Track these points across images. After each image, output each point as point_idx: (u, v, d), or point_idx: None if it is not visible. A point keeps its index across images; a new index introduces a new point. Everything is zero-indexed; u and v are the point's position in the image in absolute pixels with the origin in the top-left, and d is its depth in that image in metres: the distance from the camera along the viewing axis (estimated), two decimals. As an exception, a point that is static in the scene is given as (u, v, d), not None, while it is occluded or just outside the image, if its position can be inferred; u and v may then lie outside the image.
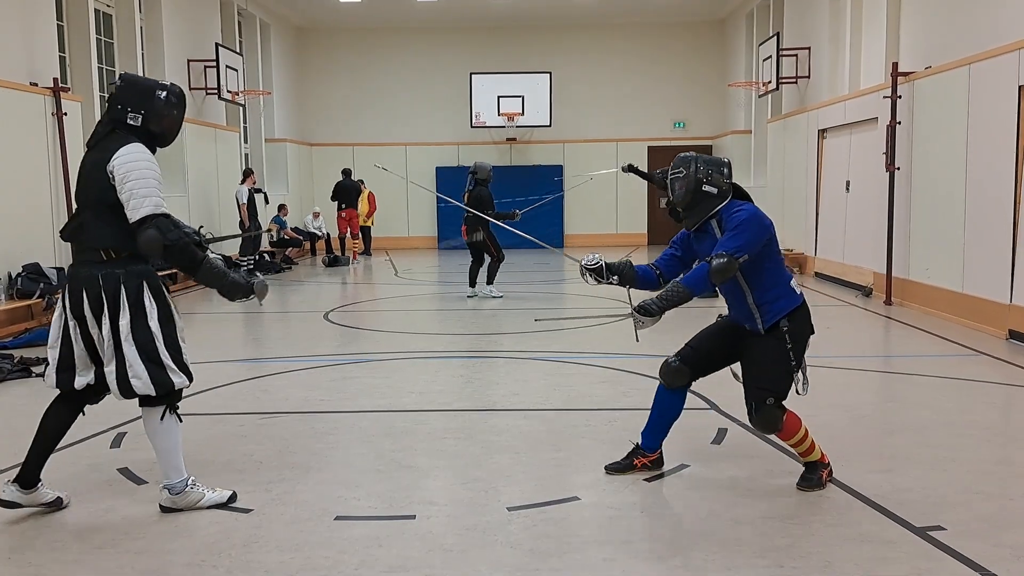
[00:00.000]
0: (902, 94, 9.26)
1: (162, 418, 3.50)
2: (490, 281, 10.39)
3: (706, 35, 18.85)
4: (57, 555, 3.24)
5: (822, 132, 12.31)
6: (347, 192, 15.96)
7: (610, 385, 5.86)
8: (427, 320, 9.64)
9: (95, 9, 10.63)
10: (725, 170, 3.79)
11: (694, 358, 3.88)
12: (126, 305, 3.38)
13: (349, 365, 6.69)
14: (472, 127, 18.34)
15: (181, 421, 3.60)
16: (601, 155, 18.49)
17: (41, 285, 8.38)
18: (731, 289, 3.77)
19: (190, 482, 3.59)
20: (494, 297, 10.31)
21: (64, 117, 9.17)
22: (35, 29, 9.06)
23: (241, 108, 15.23)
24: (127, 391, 3.41)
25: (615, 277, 3.84)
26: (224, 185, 13.74)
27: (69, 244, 3.60)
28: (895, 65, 9.38)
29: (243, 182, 13.51)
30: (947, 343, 7.25)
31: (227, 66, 13.63)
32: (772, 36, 14.08)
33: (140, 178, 3.37)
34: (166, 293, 3.57)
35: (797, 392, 3.75)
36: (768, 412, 3.67)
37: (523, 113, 18.04)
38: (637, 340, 3.83)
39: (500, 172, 18.56)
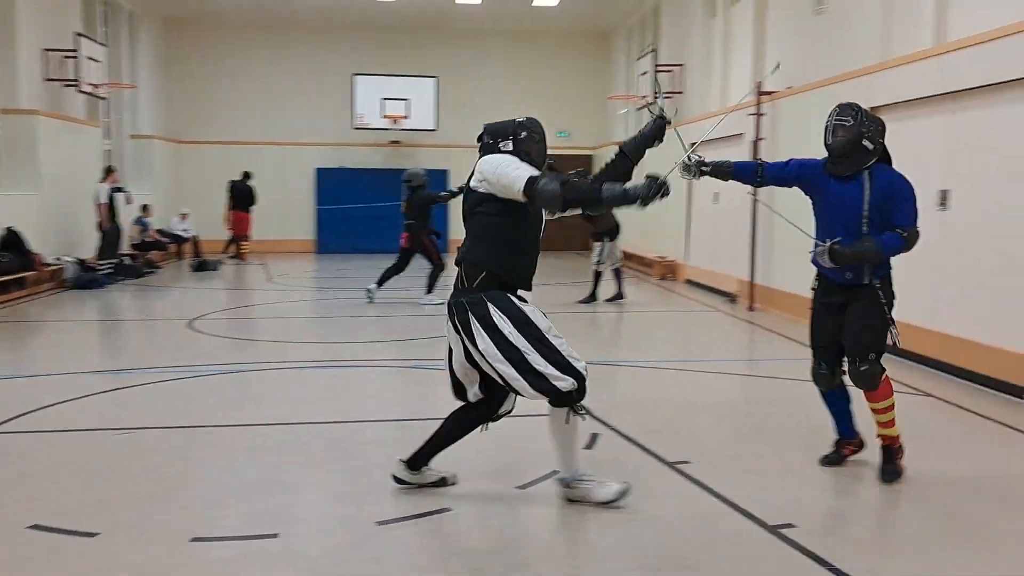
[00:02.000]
0: (766, 112, 9.77)
1: (566, 420, 3.58)
2: (430, 290, 10.14)
3: (590, 47, 19.27)
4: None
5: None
6: (240, 194, 15.80)
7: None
8: (299, 328, 9.35)
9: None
10: (882, 128, 3.96)
11: (834, 356, 4.08)
12: (480, 330, 3.48)
13: (213, 376, 6.39)
14: (354, 128, 18.02)
15: (584, 419, 3.62)
16: (484, 161, 18.51)
17: None
18: (851, 232, 3.93)
19: (579, 475, 3.70)
20: (434, 304, 9.88)
21: None
22: None
23: (103, 102, 14.34)
24: (530, 395, 3.51)
25: (707, 167, 4.12)
26: (82, 183, 12.86)
27: None
28: (759, 84, 9.89)
29: (103, 180, 12.70)
30: (804, 347, 7.66)
31: (88, 57, 12.81)
32: (649, 52, 14.56)
33: (503, 163, 3.52)
34: (515, 302, 3.55)
35: (895, 344, 4.04)
36: (871, 367, 3.91)
37: (408, 116, 17.88)
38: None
39: (384, 174, 18.46)
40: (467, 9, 16.93)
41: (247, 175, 16.06)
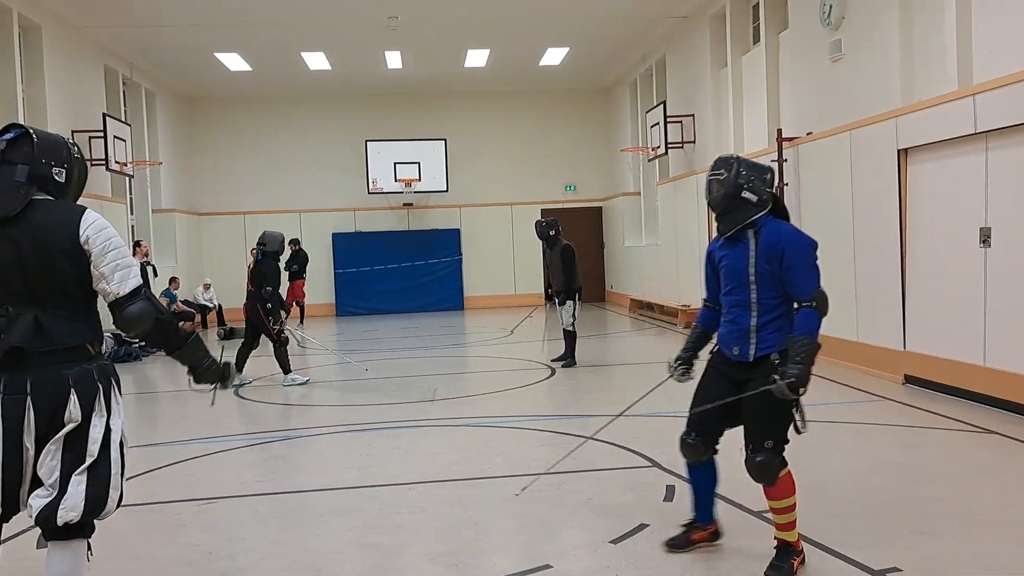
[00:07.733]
0: (787, 158, 9.97)
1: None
2: (287, 369, 9.20)
3: (593, 102, 19.69)
4: None
5: (711, 193, 12.99)
6: (300, 262, 16.20)
7: (551, 448, 5.88)
8: (338, 391, 9.34)
9: (-27, 78, 10.05)
10: (768, 177, 3.56)
11: (708, 429, 3.64)
12: None
13: (274, 444, 6.41)
14: (369, 193, 18.34)
15: None
16: (497, 218, 18.88)
17: None
18: (740, 301, 3.52)
19: None
20: (300, 384, 9.11)
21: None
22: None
23: (128, 179, 14.62)
24: None
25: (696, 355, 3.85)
26: (111, 258, 13.02)
27: None
28: (779, 131, 10.11)
29: (133, 255, 12.86)
30: (850, 390, 7.70)
31: (115, 136, 13.10)
32: (658, 104, 14.89)
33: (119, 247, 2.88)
34: None
35: (797, 431, 3.45)
36: (767, 456, 3.38)
37: (420, 179, 18.20)
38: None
39: (398, 236, 18.71)
40: (474, 73, 17.35)
41: (298, 242, 16.40)
